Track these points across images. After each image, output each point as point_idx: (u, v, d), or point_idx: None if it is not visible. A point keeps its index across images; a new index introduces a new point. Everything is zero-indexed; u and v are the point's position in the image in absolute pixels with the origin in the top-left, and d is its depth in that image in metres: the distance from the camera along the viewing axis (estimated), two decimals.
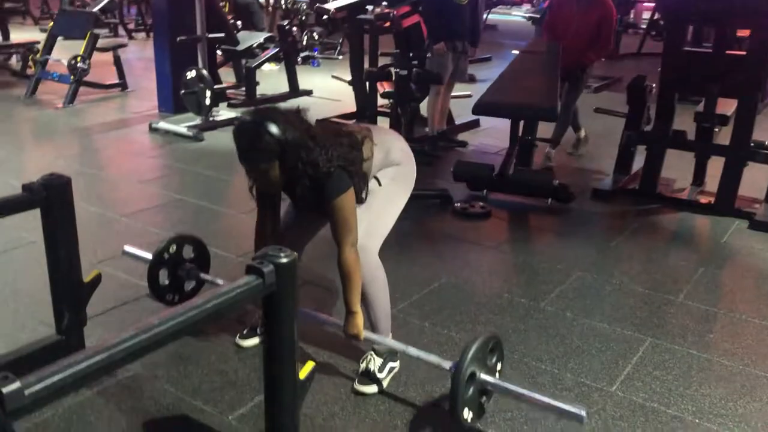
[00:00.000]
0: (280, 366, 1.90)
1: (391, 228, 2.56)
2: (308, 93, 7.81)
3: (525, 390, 2.17)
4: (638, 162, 4.90)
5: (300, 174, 2.26)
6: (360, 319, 2.42)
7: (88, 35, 6.93)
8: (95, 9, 7.74)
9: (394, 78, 4.80)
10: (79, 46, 7.08)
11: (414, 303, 3.17)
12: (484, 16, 16.13)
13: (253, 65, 7.19)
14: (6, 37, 9.67)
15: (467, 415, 2.14)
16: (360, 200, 2.41)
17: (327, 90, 7.95)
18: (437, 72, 5.27)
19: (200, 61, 6.08)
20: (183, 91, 5.90)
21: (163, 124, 6.00)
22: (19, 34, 10.49)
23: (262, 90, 7.85)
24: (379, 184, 2.52)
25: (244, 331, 2.78)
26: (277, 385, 1.92)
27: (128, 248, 2.96)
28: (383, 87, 5.38)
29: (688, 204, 4.54)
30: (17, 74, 8.00)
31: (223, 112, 6.49)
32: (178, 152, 5.51)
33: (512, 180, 4.46)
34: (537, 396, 2.15)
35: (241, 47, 7.38)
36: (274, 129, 2.16)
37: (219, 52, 7.54)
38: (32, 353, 2.44)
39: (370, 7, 5.86)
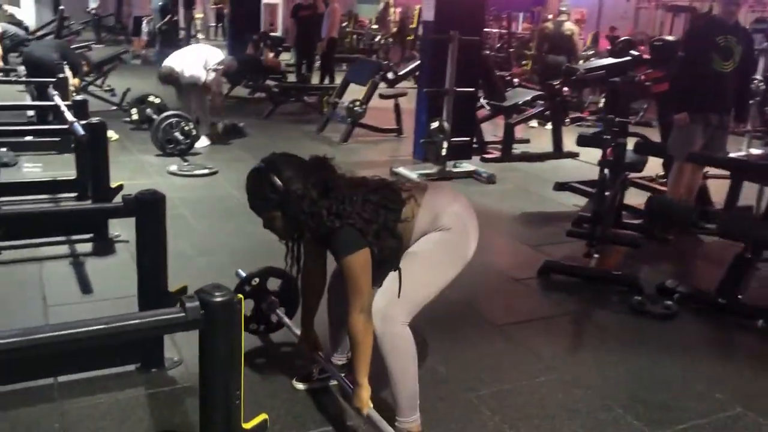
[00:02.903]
0: (209, 407, 1.86)
1: (430, 299, 2.32)
2: (574, 155, 7.43)
3: None
4: None
5: (303, 226, 2.21)
6: (365, 392, 2.25)
7: (369, 83, 7.60)
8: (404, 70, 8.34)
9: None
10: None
11: (505, 391, 2.80)
12: None
13: (513, 122, 7.11)
14: (332, 80, 11.07)
15: None
16: (389, 264, 2.25)
17: (595, 155, 7.46)
18: (674, 145, 4.62)
19: (445, 112, 6.21)
20: (422, 140, 6.11)
21: (401, 170, 6.28)
22: None
23: (528, 147, 7.73)
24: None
25: (301, 374, 2.77)
26: (208, 430, 1.88)
27: (239, 271, 3.17)
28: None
29: None
30: (321, 113, 9.11)
31: (466, 165, 6.54)
32: None
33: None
34: None
35: (507, 103, 7.37)
36: (274, 179, 2.16)
37: (487, 106, 7.64)
38: None
39: None
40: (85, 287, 3.61)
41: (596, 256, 4.11)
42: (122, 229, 4.38)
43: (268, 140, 7.69)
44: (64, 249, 4.07)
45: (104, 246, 4.14)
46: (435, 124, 6.13)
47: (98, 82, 9.58)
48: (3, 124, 5.70)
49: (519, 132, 8.52)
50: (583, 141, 4.53)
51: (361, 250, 2.17)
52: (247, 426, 1.94)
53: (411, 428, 2.33)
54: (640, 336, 3.40)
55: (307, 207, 2.18)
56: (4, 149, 5.90)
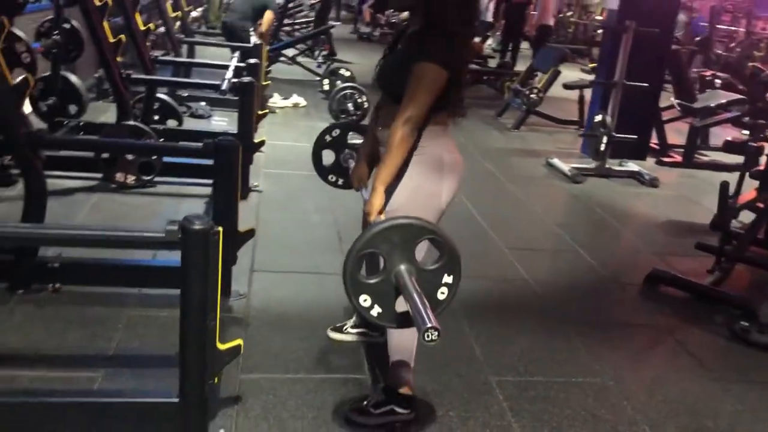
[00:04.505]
0: (186, 325, 2.08)
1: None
2: None
3: None
4: None
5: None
6: (378, 198, 2.17)
7: (550, 71, 7.38)
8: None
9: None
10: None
11: (531, 383, 2.71)
12: None
13: (699, 125, 6.48)
14: None
15: (365, 302, 1.79)
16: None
17: None
18: None
19: (611, 106, 5.86)
20: (582, 132, 5.84)
21: (556, 161, 6.05)
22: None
23: (723, 156, 7.00)
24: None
25: (336, 325, 2.91)
26: (185, 346, 2.10)
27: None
28: None
29: None
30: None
31: (631, 165, 6.11)
32: (542, 187, 5.55)
33: None
34: None
35: (698, 104, 6.73)
36: None
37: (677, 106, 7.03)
38: None
39: None
40: None
41: (717, 273, 3.70)
42: (264, 181, 4.86)
43: None
44: (207, 190, 4.61)
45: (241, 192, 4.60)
46: (598, 118, 5.83)
47: (315, 54, 10.48)
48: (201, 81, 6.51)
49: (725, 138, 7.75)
50: (729, 147, 4.07)
51: (443, 68, 2.10)
52: (222, 346, 2.14)
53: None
54: (725, 362, 3.04)
55: None
56: (203, 103, 6.75)
